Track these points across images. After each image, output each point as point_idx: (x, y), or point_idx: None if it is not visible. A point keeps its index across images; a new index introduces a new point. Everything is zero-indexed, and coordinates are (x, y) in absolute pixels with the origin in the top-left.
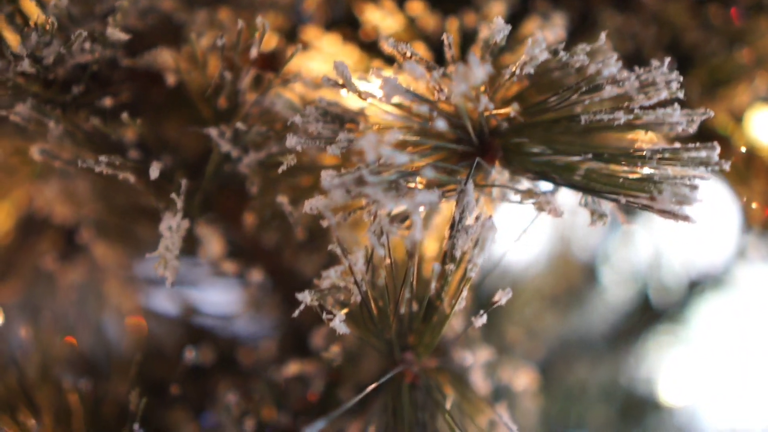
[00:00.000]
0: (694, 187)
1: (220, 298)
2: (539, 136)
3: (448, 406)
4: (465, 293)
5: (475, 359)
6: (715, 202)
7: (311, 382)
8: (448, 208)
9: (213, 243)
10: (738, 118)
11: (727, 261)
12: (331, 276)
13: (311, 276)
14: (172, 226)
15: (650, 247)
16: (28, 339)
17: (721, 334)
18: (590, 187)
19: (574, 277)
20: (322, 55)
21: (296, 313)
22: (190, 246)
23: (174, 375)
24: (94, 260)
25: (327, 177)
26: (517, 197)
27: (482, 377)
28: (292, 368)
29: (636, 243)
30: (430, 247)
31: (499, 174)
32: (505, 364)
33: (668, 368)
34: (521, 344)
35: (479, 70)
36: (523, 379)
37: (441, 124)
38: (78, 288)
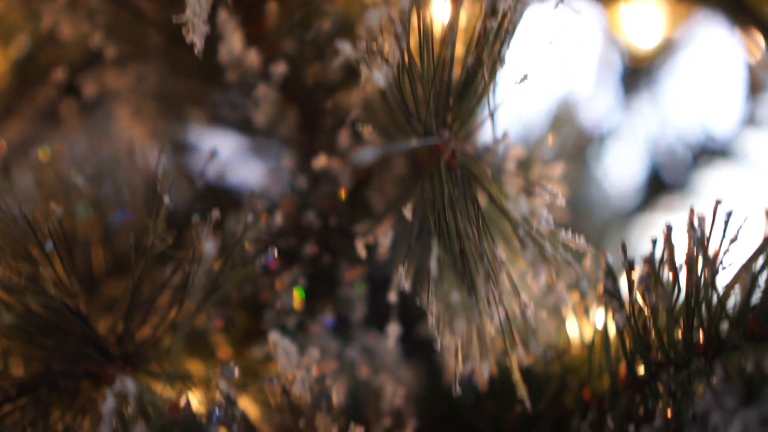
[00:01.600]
0: None
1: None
2: None
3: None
4: (506, 55)
5: (508, 149)
6: (721, 66)
7: (340, 180)
8: None
9: (234, 38)
10: None
11: (735, 128)
12: (372, 18)
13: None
14: None
15: (655, 117)
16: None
17: (729, 203)
18: None
19: (581, 142)
20: None
21: (336, 63)
22: None
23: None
24: (104, 85)
25: None
26: None
27: (515, 171)
28: (320, 161)
29: (641, 113)
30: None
31: None
32: (537, 164)
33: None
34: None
35: None
36: (555, 171)
37: None
38: (85, 121)
